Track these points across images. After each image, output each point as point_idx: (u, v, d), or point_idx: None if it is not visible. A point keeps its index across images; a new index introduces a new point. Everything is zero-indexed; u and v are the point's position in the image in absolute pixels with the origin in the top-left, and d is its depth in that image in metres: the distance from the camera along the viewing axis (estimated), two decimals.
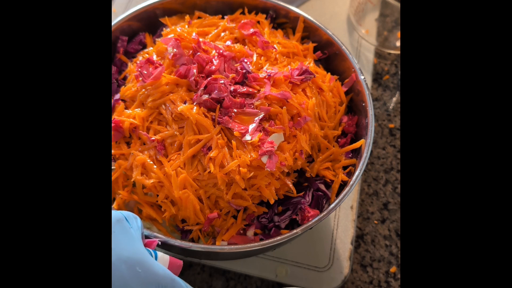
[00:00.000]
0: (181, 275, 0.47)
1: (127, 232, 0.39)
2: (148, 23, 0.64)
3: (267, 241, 0.48)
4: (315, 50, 0.63)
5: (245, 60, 0.56)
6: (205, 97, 0.51)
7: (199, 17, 0.64)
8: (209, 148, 0.50)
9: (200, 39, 0.56)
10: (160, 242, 0.46)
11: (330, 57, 0.63)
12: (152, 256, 0.40)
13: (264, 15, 0.64)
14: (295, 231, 0.49)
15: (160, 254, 0.42)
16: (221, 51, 0.55)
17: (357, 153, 0.57)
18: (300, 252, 0.62)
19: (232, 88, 0.51)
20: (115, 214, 0.40)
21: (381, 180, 0.70)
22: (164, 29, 0.62)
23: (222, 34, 0.60)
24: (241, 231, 0.53)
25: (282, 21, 0.66)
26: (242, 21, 0.61)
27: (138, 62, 0.57)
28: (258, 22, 0.63)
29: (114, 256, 0.36)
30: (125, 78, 0.60)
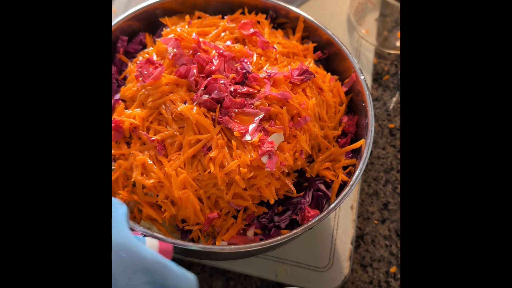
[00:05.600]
0: None
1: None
2: (148, 23, 0.64)
3: (267, 241, 0.48)
4: (315, 50, 0.63)
5: (245, 60, 0.56)
6: (205, 97, 0.51)
7: (199, 17, 0.64)
8: (209, 148, 0.50)
9: (200, 39, 0.56)
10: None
11: (330, 57, 0.63)
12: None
13: (264, 15, 0.64)
14: (295, 231, 0.49)
15: (148, 239, 0.40)
16: (221, 51, 0.55)
17: (357, 153, 0.57)
18: (300, 252, 0.62)
19: (232, 88, 0.51)
20: None
21: (381, 180, 0.70)
22: (164, 29, 0.62)
23: (222, 34, 0.60)
24: (241, 231, 0.53)
25: (282, 21, 0.66)
26: (242, 21, 0.61)
27: (138, 62, 0.57)
28: (258, 22, 0.63)
29: None
30: (125, 78, 0.60)
